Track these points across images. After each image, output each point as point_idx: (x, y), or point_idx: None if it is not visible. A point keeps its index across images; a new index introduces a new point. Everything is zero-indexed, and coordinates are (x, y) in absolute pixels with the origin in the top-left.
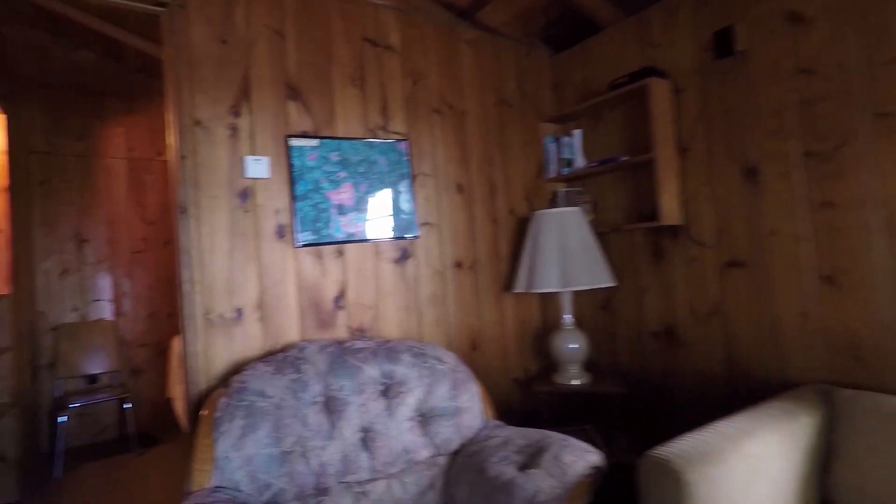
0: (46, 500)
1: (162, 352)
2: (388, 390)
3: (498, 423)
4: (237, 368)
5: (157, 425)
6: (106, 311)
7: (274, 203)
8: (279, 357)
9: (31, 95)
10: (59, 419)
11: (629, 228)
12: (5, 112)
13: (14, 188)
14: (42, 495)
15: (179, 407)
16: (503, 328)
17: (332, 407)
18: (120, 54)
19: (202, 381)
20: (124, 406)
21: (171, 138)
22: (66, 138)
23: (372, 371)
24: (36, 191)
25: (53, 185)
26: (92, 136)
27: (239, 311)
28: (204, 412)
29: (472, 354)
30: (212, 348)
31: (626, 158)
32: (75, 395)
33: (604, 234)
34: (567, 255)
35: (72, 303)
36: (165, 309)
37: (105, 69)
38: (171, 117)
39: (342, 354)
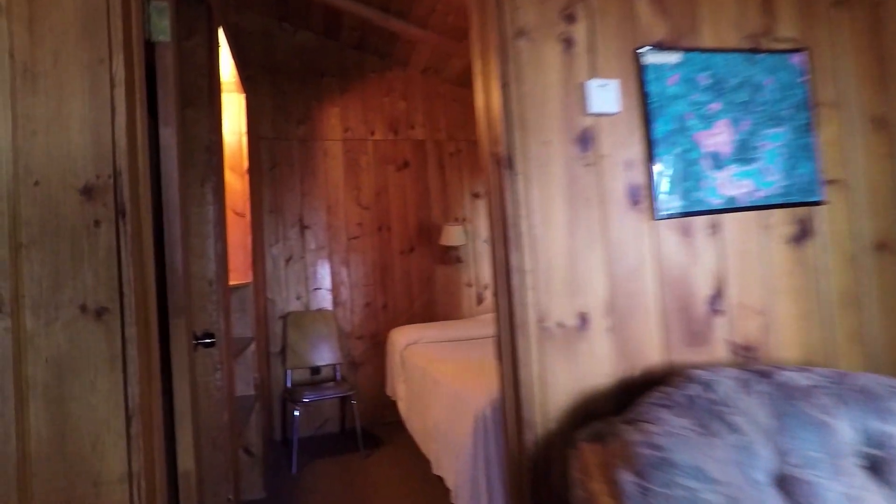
0: (287, 499)
1: (377, 344)
2: (881, 468)
3: None
4: (583, 404)
5: (376, 422)
6: (326, 300)
7: (623, 152)
8: (680, 398)
9: (260, 82)
10: (294, 412)
11: None
12: (245, 92)
13: (250, 173)
14: (283, 493)
15: (403, 408)
16: None
17: (795, 496)
18: (337, 32)
19: (537, 422)
20: (351, 402)
21: (484, 61)
22: (288, 123)
23: (845, 430)
24: (265, 177)
25: (279, 171)
26: (310, 118)
27: (583, 318)
28: (596, 485)
29: None
30: (548, 371)
31: None
32: (303, 387)
33: None
34: None
35: (296, 291)
36: (381, 299)
37: (323, 49)
38: (483, 29)
39: (788, 397)
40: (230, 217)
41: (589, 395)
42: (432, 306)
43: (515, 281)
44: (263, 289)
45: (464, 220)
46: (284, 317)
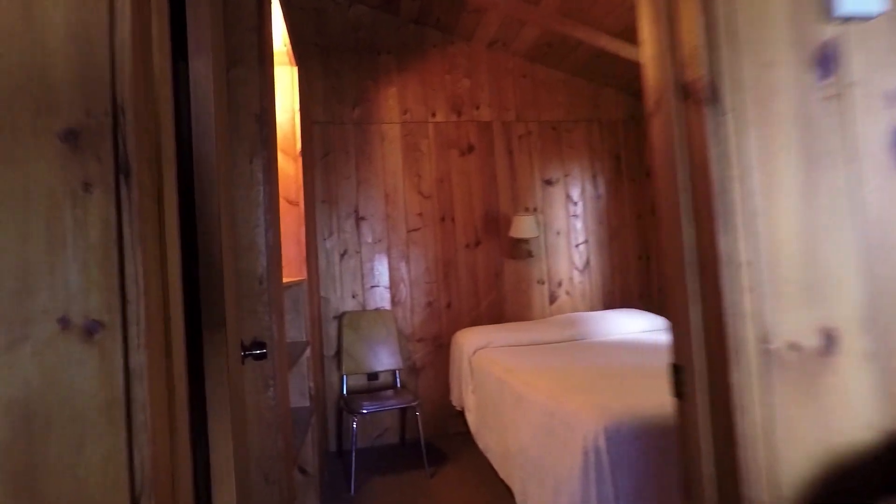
0: None
1: (440, 347)
2: None
3: None
4: (835, 473)
5: (439, 433)
6: (384, 298)
7: (885, 77)
8: None
9: (312, 62)
10: (352, 424)
11: None
12: (297, 65)
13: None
14: None
15: (472, 421)
16: None
17: None
18: (395, 4)
19: (764, 501)
20: (415, 413)
21: None
22: (342, 105)
23: None
24: (318, 164)
25: (332, 157)
26: (366, 100)
27: (828, 335)
28: None
29: None
30: (776, 420)
31: None
32: (360, 395)
33: None
34: None
35: (351, 288)
36: (444, 297)
37: (379, 24)
38: None
39: None
40: (282, 205)
41: (842, 457)
42: (500, 305)
43: (725, 278)
44: (317, 286)
45: (534, 209)
46: (339, 317)
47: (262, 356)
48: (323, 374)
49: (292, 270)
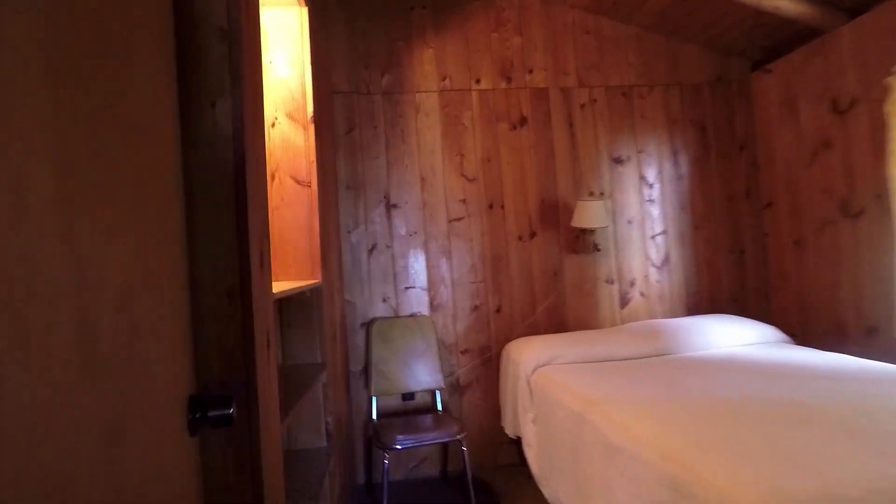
0: None
1: (488, 360)
2: None
3: None
4: None
5: (487, 464)
6: (421, 302)
7: None
8: None
9: (333, 20)
10: (384, 461)
11: None
12: (308, 5)
13: (319, 135)
14: None
15: (534, 458)
16: None
17: None
18: None
19: None
20: (462, 448)
21: None
22: (369, 71)
23: None
24: (341, 142)
25: (358, 134)
26: (397, 65)
27: None
28: None
29: None
30: None
31: None
32: (392, 419)
33: None
34: None
35: (381, 290)
36: (493, 300)
37: None
38: None
39: None
40: (288, 186)
41: None
42: (561, 310)
43: None
44: (340, 288)
45: (601, 194)
46: (367, 324)
47: (226, 421)
48: (348, 395)
49: (302, 271)
